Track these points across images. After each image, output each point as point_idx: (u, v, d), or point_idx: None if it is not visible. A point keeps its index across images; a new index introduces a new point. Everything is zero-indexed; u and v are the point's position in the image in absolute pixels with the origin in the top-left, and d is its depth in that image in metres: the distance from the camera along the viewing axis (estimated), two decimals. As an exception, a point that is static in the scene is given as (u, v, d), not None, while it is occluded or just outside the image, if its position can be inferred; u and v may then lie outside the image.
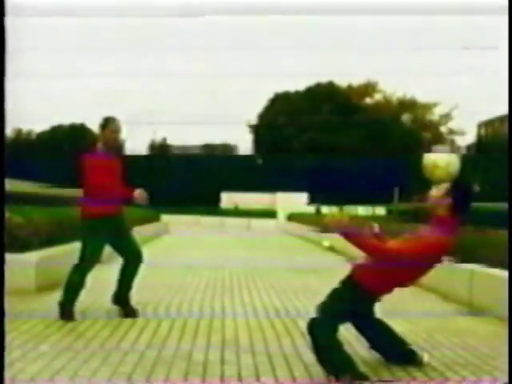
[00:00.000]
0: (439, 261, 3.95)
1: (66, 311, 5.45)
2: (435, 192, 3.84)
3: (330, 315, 3.85)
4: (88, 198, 5.59)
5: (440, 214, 3.77)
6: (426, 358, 4.20)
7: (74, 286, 5.54)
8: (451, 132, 61.04)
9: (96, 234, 5.53)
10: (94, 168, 5.54)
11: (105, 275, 7.10)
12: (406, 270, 3.80)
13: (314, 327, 3.85)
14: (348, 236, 3.62)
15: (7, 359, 4.00)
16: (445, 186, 3.79)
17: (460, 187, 3.79)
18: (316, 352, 3.86)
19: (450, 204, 3.73)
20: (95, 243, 5.59)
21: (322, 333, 3.82)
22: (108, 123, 5.63)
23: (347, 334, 4.54)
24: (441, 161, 3.86)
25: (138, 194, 5.61)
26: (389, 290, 4.00)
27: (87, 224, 5.59)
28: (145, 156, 54.78)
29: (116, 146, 5.79)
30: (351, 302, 3.92)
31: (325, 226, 4.01)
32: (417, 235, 3.86)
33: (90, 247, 5.57)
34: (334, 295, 3.97)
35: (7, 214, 7.34)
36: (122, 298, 5.83)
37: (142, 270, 6.00)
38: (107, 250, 5.89)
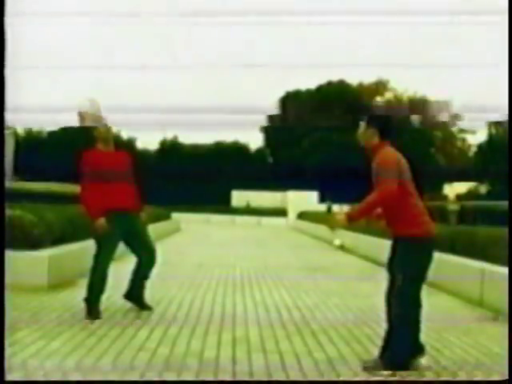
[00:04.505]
0: None
1: (93, 310, 5.49)
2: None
3: None
4: (94, 195, 5.50)
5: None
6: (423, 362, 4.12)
7: (96, 287, 5.58)
8: (462, 131, 60.53)
9: (107, 231, 5.47)
10: (101, 165, 5.58)
11: (116, 273, 7.12)
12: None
13: None
14: (354, 218, 3.99)
15: (21, 356, 4.05)
16: None
17: None
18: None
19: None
20: (107, 241, 5.58)
21: None
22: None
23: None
24: None
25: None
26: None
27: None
28: (155, 154, 54.73)
29: (111, 140, 5.86)
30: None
31: (332, 226, 4.30)
32: None
33: (103, 246, 5.58)
34: None
35: (20, 213, 7.41)
36: (134, 295, 5.89)
37: (155, 267, 6.01)
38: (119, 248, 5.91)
